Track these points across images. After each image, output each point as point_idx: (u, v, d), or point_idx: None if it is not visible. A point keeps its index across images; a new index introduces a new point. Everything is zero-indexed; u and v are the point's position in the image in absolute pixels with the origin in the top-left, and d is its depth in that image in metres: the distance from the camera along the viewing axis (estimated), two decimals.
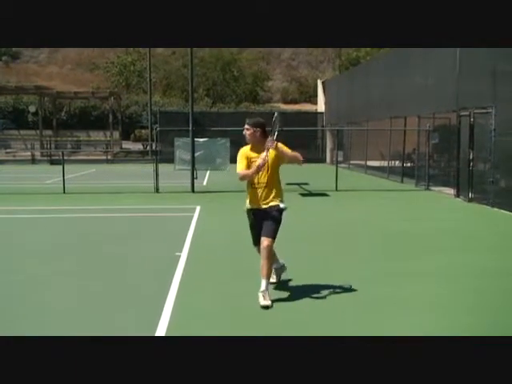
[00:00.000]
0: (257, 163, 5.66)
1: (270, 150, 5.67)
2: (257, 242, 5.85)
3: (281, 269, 6.32)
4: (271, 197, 5.78)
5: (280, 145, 5.72)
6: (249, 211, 5.92)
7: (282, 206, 5.77)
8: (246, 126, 5.86)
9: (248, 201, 5.90)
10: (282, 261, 6.30)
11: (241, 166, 5.80)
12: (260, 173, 5.72)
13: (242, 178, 5.82)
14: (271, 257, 5.75)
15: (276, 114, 5.92)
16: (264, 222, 5.72)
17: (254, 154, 5.81)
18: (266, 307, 5.45)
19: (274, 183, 5.81)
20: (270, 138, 5.67)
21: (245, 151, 5.89)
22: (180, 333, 4.74)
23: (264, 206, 5.76)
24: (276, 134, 5.75)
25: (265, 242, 5.63)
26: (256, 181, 5.78)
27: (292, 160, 5.88)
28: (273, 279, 6.17)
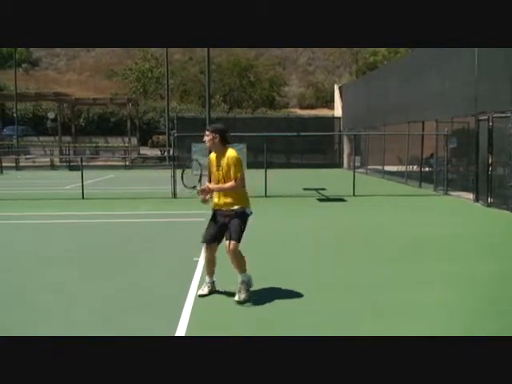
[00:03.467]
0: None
1: (221, 164, 5.81)
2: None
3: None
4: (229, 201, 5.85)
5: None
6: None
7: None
8: (206, 132, 5.85)
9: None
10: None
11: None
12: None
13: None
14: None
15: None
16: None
17: (214, 161, 5.94)
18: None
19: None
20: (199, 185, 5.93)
21: (210, 158, 6.07)
22: (199, 333, 4.81)
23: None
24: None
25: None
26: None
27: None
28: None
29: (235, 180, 5.74)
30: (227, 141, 5.87)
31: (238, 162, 5.77)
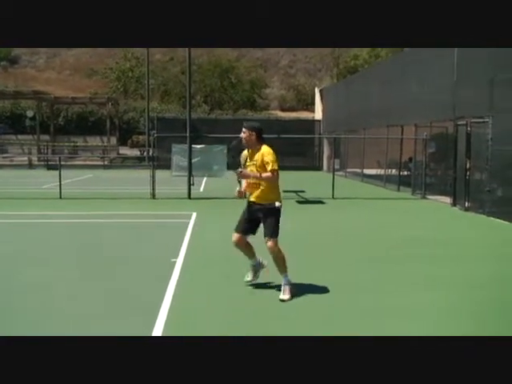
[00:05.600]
0: (236, 193, 6.29)
1: (254, 160, 6.09)
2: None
3: (259, 266, 6.51)
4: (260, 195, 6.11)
5: (248, 172, 6.10)
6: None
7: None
8: (243, 129, 6.14)
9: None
10: (260, 259, 6.49)
11: None
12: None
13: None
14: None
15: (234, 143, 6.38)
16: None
17: (248, 158, 6.23)
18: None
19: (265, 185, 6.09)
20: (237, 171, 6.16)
21: (243, 155, 6.44)
22: (176, 333, 4.78)
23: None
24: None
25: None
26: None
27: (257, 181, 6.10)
28: (248, 277, 6.48)
29: (272, 172, 5.95)
30: (262, 138, 6.17)
31: (274, 157, 6.00)
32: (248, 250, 6.37)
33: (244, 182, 6.29)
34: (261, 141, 6.15)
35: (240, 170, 6.17)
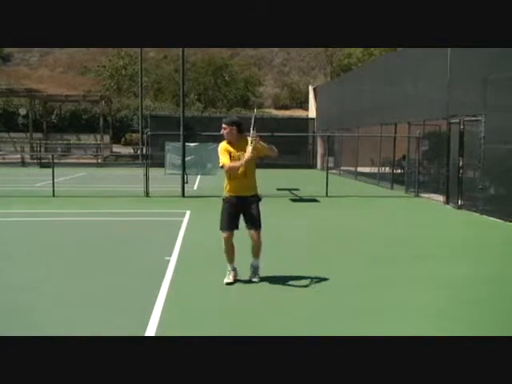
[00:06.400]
0: (246, 157, 6.21)
1: (243, 150, 6.29)
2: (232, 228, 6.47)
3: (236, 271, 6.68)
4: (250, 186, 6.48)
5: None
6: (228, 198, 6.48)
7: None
8: (223, 126, 6.39)
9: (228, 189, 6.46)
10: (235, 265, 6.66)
11: (224, 159, 6.34)
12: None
13: (230, 169, 6.33)
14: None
15: (255, 112, 6.62)
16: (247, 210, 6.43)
17: (232, 149, 6.37)
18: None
19: (252, 174, 6.48)
20: (253, 133, 6.21)
21: (225, 146, 6.44)
22: (169, 333, 4.77)
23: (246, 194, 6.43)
24: (255, 129, 6.30)
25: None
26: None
27: (269, 152, 6.54)
28: (229, 279, 6.53)
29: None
30: (242, 130, 6.44)
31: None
32: (233, 250, 6.56)
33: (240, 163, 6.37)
34: (242, 133, 6.41)
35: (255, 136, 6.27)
